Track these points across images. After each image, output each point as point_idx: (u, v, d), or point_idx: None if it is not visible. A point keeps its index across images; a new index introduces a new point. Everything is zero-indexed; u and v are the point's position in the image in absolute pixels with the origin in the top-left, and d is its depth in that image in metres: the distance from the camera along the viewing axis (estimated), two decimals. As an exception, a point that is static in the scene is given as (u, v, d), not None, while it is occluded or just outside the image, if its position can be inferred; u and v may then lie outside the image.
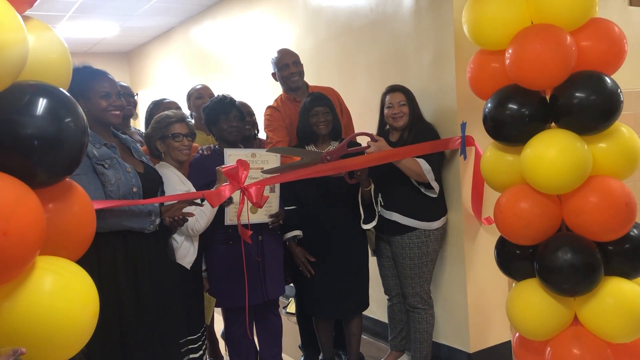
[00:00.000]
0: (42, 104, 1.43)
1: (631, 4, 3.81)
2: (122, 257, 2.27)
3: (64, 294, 1.45)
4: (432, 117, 3.22)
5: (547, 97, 2.33)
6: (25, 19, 1.50)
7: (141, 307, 2.31)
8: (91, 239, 1.68)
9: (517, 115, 2.28)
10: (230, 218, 2.77)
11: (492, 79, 2.42)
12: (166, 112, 2.82)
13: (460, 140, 3.04)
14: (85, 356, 1.65)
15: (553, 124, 2.34)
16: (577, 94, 2.18)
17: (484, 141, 2.74)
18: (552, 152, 2.19)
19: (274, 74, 3.50)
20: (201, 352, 2.80)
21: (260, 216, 2.87)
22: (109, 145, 2.29)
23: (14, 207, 1.32)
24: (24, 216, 1.34)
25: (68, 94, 1.53)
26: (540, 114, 2.29)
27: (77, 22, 6.09)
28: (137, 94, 3.70)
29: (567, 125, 2.25)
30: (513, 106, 2.29)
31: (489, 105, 2.38)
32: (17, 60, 1.38)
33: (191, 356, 2.72)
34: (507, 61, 2.28)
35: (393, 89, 3.09)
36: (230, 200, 2.69)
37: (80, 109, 1.53)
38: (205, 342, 2.90)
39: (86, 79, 2.28)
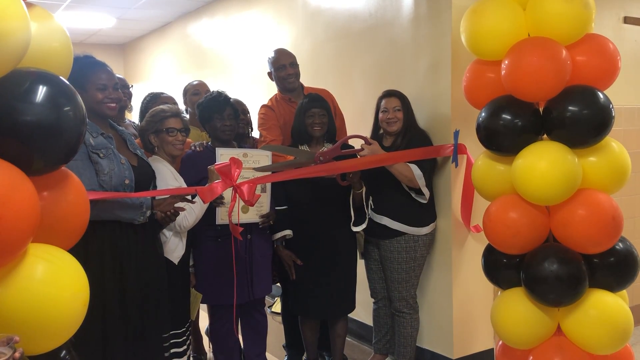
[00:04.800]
0: (41, 91, 1.44)
1: (625, 21, 3.86)
2: (108, 248, 2.27)
3: (55, 281, 1.46)
4: (426, 123, 3.24)
5: (541, 109, 2.36)
6: (29, 6, 1.50)
7: (125, 299, 2.30)
8: (84, 229, 1.68)
9: (510, 126, 2.31)
10: (221, 217, 2.77)
11: (487, 88, 2.45)
12: (161, 107, 2.82)
13: (452, 147, 3.06)
14: (72, 345, 1.65)
15: (545, 136, 2.37)
16: (570, 108, 2.22)
17: (476, 150, 2.76)
18: (543, 163, 2.22)
19: (269, 74, 3.51)
20: (185, 347, 2.80)
21: (251, 216, 2.88)
22: (105, 136, 2.30)
23: (10, 193, 1.32)
24: (19, 202, 1.34)
25: (68, 83, 1.54)
26: (533, 125, 2.32)
27: (73, 12, 6.05)
28: (132, 86, 3.68)
29: (559, 138, 2.28)
30: (506, 116, 2.32)
31: (483, 114, 2.41)
32: (19, 47, 1.38)
33: (174, 350, 2.72)
34: (503, 72, 2.31)
35: (389, 94, 3.11)
36: (221, 200, 2.69)
37: (80, 99, 1.54)
38: (190, 337, 2.90)
39: (84, 69, 2.28)
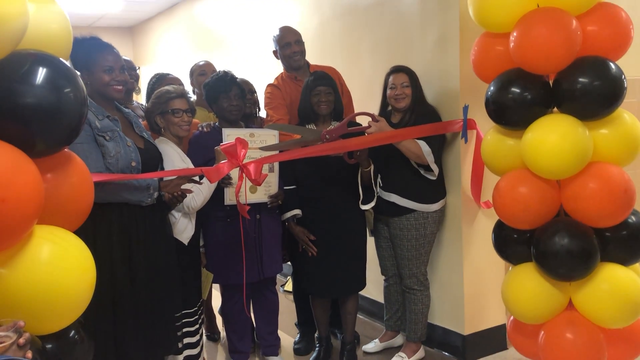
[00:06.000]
0: (41, 73, 1.43)
1: (639, -11, 3.76)
2: (117, 230, 2.28)
3: (61, 263, 1.46)
4: (434, 99, 3.20)
5: (551, 82, 2.32)
6: (28, -13, 1.49)
7: (135, 280, 2.31)
8: (89, 210, 1.68)
9: (519, 99, 2.27)
10: (229, 198, 2.77)
11: (496, 62, 2.40)
12: (167, 87, 2.81)
13: (461, 123, 3.03)
14: (82, 325, 1.66)
15: (555, 109, 2.33)
16: (581, 79, 2.17)
17: (485, 124, 2.73)
18: (553, 137, 2.18)
19: (275, 52, 3.48)
20: (197, 326, 2.82)
21: (260, 196, 2.87)
22: (111, 118, 2.29)
23: (13, 175, 1.33)
24: (22, 184, 1.34)
25: (68, 64, 1.53)
26: (542, 98, 2.27)
27: (80, -5, 6.05)
28: (138, 68, 3.67)
29: (570, 111, 2.24)
30: (516, 90, 2.28)
31: (492, 88, 2.37)
32: (16, 32, 1.38)
33: (187, 330, 2.75)
34: (512, 44, 2.26)
35: (397, 70, 3.07)
36: (229, 180, 2.69)
37: (80, 80, 1.53)
38: (202, 316, 2.93)
39: (90, 51, 2.27)
